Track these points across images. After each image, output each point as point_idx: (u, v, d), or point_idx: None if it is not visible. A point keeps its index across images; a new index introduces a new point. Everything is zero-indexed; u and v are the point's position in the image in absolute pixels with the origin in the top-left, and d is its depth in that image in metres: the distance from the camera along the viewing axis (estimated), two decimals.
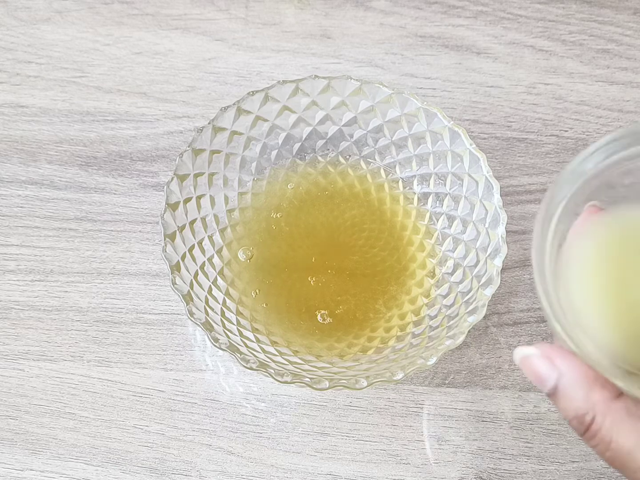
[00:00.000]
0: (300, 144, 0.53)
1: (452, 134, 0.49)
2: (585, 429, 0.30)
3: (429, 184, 0.51)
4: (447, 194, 0.50)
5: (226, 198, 0.51)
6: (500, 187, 0.47)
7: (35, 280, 0.52)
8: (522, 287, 0.52)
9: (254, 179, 0.52)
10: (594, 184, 0.32)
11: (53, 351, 0.50)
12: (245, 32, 0.60)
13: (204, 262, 0.48)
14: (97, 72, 0.59)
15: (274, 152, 0.52)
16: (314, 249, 0.50)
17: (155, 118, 0.57)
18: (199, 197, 0.49)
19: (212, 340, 0.43)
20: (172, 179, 0.47)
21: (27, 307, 0.51)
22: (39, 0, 0.61)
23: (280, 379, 0.42)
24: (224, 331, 0.45)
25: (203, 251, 0.48)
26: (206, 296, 0.46)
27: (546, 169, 0.55)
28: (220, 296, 0.47)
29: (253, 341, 0.46)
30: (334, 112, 0.51)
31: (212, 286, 0.47)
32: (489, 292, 0.45)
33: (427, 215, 0.51)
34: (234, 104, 0.49)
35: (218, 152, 0.50)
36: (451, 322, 0.46)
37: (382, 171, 0.53)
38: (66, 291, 0.51)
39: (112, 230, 0.53)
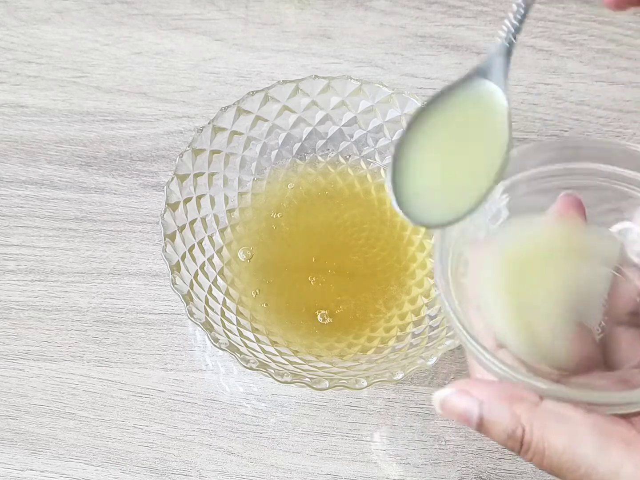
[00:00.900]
0: (300, 144, 0.52)
1: None
2: (520, 445, 0.30)
3: None
4: None
5: (226, 198, 0.51)
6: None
7: (35, 280, 0.52)
8: None
9: (254, 179, 0.52)
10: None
11: (53, 351, 0.50)
12: (245, 32, 0.60)
13: (204, 262, 0.48)
14: (97, 72, 0.59)
15: (274, 152, 0.52)
16: (314, 248, 0.50)
17: (155, 118, 0.57)
18: (199, 197, 0.49)
19: (212, 340, 0.43)
20: (172, 179, 0.47)
21: (27, 307, 0.51)
22: (39, 0, 0.61)
23: (280, 379, 0.42)
24: (224, 331, 0.45)
25: (203, 251, 0.48)
26: (206, 296, 0.46)
27: None
28: (220, 296, 0.47)
29: (253, 341, 0.46)
30: (334, 112, 0.51)
31: (212, 286, 0.47)
32: None
33: None
34: (234, 104, 0.49)
35: (218, 152, 0.50)
36: None
37: (382, 171, 0.53)
38: (66, 291, 0.51)
39: (112, 230, 0.53)
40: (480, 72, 0.36)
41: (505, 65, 0.35)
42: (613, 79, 0.58)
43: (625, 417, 0.30)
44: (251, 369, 0.42)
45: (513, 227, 0.36)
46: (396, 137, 0.51)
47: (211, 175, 0.50)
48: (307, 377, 0.43)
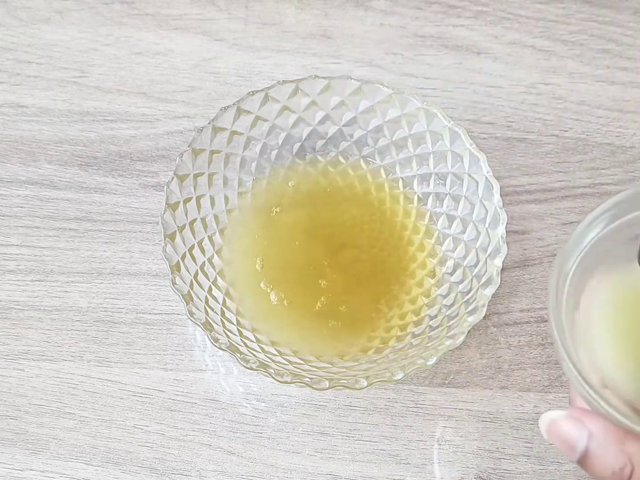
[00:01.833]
0: (300, 144, 0.53)
1: (452, 134, 0.49)
2: None
3: (429, 184, 0.51)
4: (447, 194, 0.50)
5: (226, 198, 0.51)
6: (500, 187, 0.47)
7: (35, 280, 0.52)
8: (522, 287, 0.52)
9: (254, 179, 0.52)
10: (597, 250, 0.34)
11: (53, 351, 0.50)
12: (245, 32, 0.60)
13: (204, 262, 0.48)
14: (97, 72, 0.59)
15: (274, 152, 0.52)
16: (313, 248, 0.50)
17: (155, 118, 0.57)
18: (199, 197, 0.49)
19: (212, 340, 0.43)
20: (172, 179, 0.47)
21: (27, 307, 0.51)
22: (39, 0, 0.61)
23: (280, 379, 0.42)
24: (224, 331, 0.45)
25: (203, 251, 0.48)
26: (206, 296, 0.46)
27: (546, 169, 0.55)
28: (220, 296, 0.47)
29: (253, 341, 0.46)
30: (334, 112, 0.51)
31: (212, 286, 0.47)
32: (489, 292, 0.45)
33: (427, 215, 0.51)
34: (234, 104, 0.49)
35: (218, 152, 0.50)
36: (451, 322, 0.46)
37: (382, 171, 0.53)
38: (66, 291, 0.51)
39: (112, 230, 0.53)
40: None
41: None
42: (613, 79, 0.58)
43: None
44: (251, 369, 0.42)
45: (632, 268, 0.35)
46: (396, 136, 0.51)
47: (211, 175, 0.50)
48: (307, 377, 0.43)
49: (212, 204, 0.50)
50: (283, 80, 0.50)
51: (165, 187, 0.47)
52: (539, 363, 0.50)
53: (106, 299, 0.51)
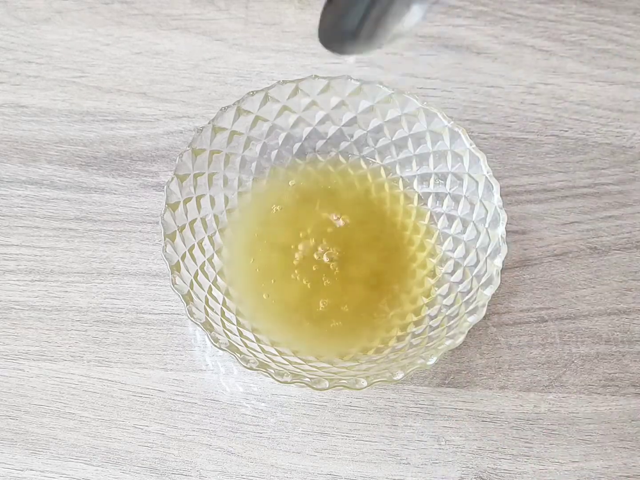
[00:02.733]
0: (300, 144, 0.52)
1: (452, 134, 0.49)
2: None
3: (429, 183, 0.51)
4: (447, 194, 0.50)
5: (226, 198, 0.51)
6: (500, 187, 0.47)
7: (35, 280, 0.52)
8: (522, 287, 0.52)
9: (254, 179, 0.52)
10: None
11: (53, 351, 0.50)
12: (245, 32, 0.60)
13: (204, 262, 0.48)
14: (97, 72, 0.59)
15: (274, 152, 0.52)
16: (313, 248, 0.50)
17: (155, 118, 0.57)
18: (199, 197, 0.49)
19: (212, 340, 0.43)
20: (172, 179, 0.47)
21: (27, 307, 0.51)
22: (39, 0, 0.61)
23: (280, 379, 0.42)
24: (224, 331, 0.45)
25: (203, 251, 0.48)
26: (206, 296, 0.46)
27: (546, 169, 0.55)
28: (220, 296, 0.47)
29: (253, 341, 0.46)
30: (334, 112, 0.51)
31: (212, 286, 0.47)
32: (489, 292, 0.45)
33: (428, 215, 0.51)
34: (234, 104, 0.49)
35: (218, 152, 0.50)
36: (451, 322, 0.46)
37: (382, 171, 0.53)
38: (66, 291, 0.51)
39: (112, 230, 0.53)
40: None
41: None
42: (613, 79, 0.58)
43: None
44: (251, 369, 0.42)
45: None
46: (396, 136, 0.51)
47: (211, 175, 0.50)
48: (307, 377, 0.43)
49: (212, 204, 0.50)
50: (283, 80, 0.50)
51: (165, 187, 0.47)
52: (539, 363, 0.50)
53: (106, 299, 0.51)
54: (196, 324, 0.43)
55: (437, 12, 0.61)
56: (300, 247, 0.51)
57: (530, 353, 0.50)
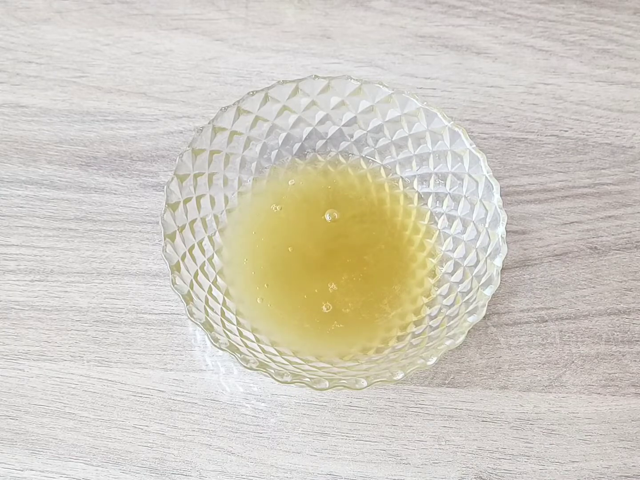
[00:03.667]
0: (300, 144, 0.53)
1: (452, 134, 0.49)
2: None
3: (429, 184, 0.51)
4: (447, 194, 0.50)
5: (226, 198, 0.51)
6: (500, 187, 0.47)
7: (35, 280, 0.52)
8: (522, 287, 0.52)
9: (253, 179, 0.52)
10: None
11: (53, 351, 0.50)
12: (245, 32, 0.60)
13: (204, 262, 0.48)
14: (97, 72, 0.59)
15: (274, 152, 0.52)
16: (314, 248, 0.50)
17: (155, 118, 0.57)
18: (199, 197, 0.49)
19: (212, 340, 0.43)
20: (172, 179, 0.47)
21: (27, 307, 0.51)
22: (39, 0, 0.61)
23: (280, 379, 0.42)
24: (224, 331, 0.45)
25: (203, 251, 0.48)
26: (206, 296, 0.46)
27: (546, 169, 0.55)
28: (220, 296, 0.47)
29: (253, 341, 0.46)
30: (334, 112, 0.51)
31: (212, 286, 0.47)
32: (489, 292, 0.45)
33: (428, 215, 0.51)
34: (234, 104, 0.49)
35: (218, 152, 0.50)
36: (451, 322, 0.46)
37: (382, 171, 0.53)
38: (66, 291, 0.51)
39: (112, 230, 0.53)
40: None
41: None
42: (613, 79, 0.58)
43: None
44: (251, 369, 0.42)
45: None
46: (396, 136, 0.51)
47: (211, 175, 0.50)
48: (307, 377, 0.43)
49: (212, 204, 0.50)
50: (283, 80, 0.50)
51: (165, 187, 0.47)
52: (539, 363, 0.50)
53: (106, 299, 0.51)
54: (196, 324, 0.43)
55: (437, 12, 0.61)
56: (300, 247, 0.50)
57: (530, 353, 0.50)
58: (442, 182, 0.51)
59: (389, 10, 0.61)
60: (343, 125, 0.52)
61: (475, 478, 0.47)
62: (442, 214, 0.51)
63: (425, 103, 0.49)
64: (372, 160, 0.53)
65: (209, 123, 0.49)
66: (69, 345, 0.50)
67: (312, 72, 0.54)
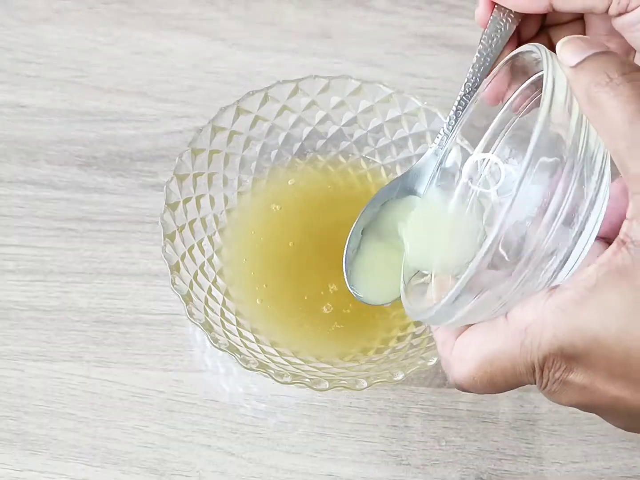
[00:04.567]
0: (300, 143, 0.52)
1: None
2: None
3: None
4: None
5: (226, 198, 0.51)
6: None
7: (35, 280, 0.52)
8: None
9: (253, 179, 0.52)
10: None
11: (53, 351, 0.50)
12: (245, 32, 0.60)
13: (204, 262, 0.48)
14: (97, 72, 0.58)
15: (274, 152, 0.52)
16: (314, 248, 0.50)
17: (155, 118, 0.57)
18: (198, 197, 0.49)
19: (211, 341, 0.43)
20: (172, 179, 0.47)
21: (27, 307, 0.51)
22: (39, 0, 0.61)
23: (280, 379, 0.42)
24: (224, 331, 0.45)
25: (203, 251, 0.48)
26: (206, 296, 0.46)
27: None
28: (219, 296, 0.47)
29: (253, 341, 0.46)
30: (334, 112, 0.51)
31: (212, 286, 0.47)
32: None
33: None
34: (233, 103, 0.49)
35: (218, 152, 0.50)
36: None
37: (382, 171, 0.53)
38: (66, 291, 0.51)
39: (112, 230, 0.53)
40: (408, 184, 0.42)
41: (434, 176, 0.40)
42: None
43: None
44: (251, 369, 0.42)
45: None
46: (396, 136, 0.51)
47: (211, 175, 0.50)
48: (307, 378, 0.43)
49: (212, 204, 0.50)
50: (283, 80, 0.50)
51: (165, 187, 0.47)
52: None
53: (106, 299, 0.51)
54: (196, 324, 0.43)
55: (438, 12, 0.61)
56: (300, 247, 0.50)
57: None
58: None
59: (389, 10, 0.61)
60: (343, 125, 0.52)
61: (475, 479, 0.47)
62: None
63: (425, 103, 0.49)
64: (372, 160, 0.53)
65: (208, 123, 0.49)
66: (69, 345, 0.50)
67: (312, 72, 0.54)
